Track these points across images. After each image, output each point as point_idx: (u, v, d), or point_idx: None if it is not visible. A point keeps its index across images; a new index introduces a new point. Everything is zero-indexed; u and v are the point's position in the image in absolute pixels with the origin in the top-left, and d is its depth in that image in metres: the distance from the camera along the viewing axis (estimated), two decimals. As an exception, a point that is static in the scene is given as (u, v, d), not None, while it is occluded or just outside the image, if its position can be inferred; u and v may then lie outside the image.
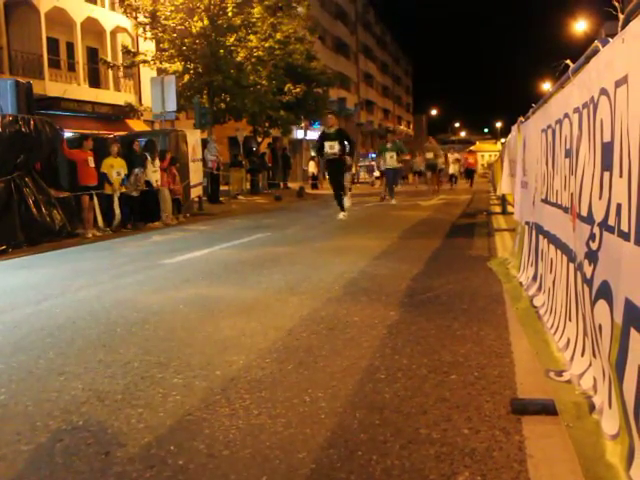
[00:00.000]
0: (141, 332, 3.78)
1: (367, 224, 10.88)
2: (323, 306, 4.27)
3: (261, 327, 3.75)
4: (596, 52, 2.24)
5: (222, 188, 19.60)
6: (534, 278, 4.16)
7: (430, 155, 21.77)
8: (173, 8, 20.86)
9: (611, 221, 1.94)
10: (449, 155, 28.48)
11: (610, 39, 2.08)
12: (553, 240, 3.43)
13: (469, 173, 29.52)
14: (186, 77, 21.34)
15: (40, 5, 23.89)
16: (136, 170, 11.86)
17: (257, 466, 2.01)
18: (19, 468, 2.07)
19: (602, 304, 2.02)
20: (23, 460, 2.12)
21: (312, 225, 11.04)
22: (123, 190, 11.45)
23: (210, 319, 4.05)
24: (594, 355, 2.23)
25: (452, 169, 27.90)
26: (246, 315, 4.10)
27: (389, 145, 17.65)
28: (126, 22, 26.34)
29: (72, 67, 26.48)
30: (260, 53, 21.71)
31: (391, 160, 17.06)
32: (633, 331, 1.69)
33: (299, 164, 38.87)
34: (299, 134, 34.31)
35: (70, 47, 26.44)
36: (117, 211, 11.28)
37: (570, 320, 2.80)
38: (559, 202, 3.18)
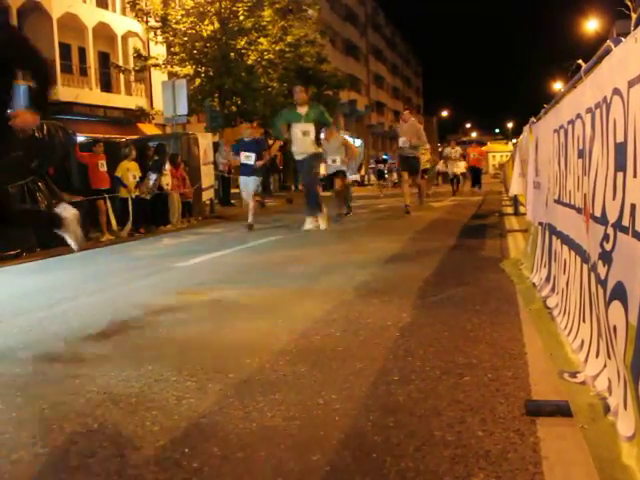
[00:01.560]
0: (154, 335, 3.79)
1: (378, 226, 10.87)
2: (335, 308, 4.27)
3: (274, 329, 3.76)
4: (608, 52, 2.23)
5: (233, 191, 19.67)
6: (547, 279, 4.14)
7: (404, 141, 12.42)
8: (184, 12, 20.98)
9: (625, 222, 1.93)
10: (449, 150, 22.59)
11: (622, 38, 2.07)
12: (566, 241, 3.41)
13: (475, 174, 22.97)
14: (197, 80, 21.47)
15: (52, 11, 24.15)
16: (154, 175, 11.96)
17: (271, 468, 2.01)
18: (35, 471, 2.09)
19: (617, 305, 2.01)
20: (39, 463, 2.13)
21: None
22: (137, 193, 11.56)
23: (223, 322, 4.06)
24: (609, 356, 2.21)
25: (454, 168, 22.01)
26: (259, 318, 4.11)
27: (302, 110, 9.23)
28: (137, 26, 26.54)
29: (84, 72, 26.73)
30: (271, 56, 21.81)
31: (304, 141, 9.09)
32: (648, 332, 1.68)
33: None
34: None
35: (82, 52, 26.70)
36: (131, 215, 11.37)
37: (584, 321, 2.78)
38: (572, 202, 3.16)
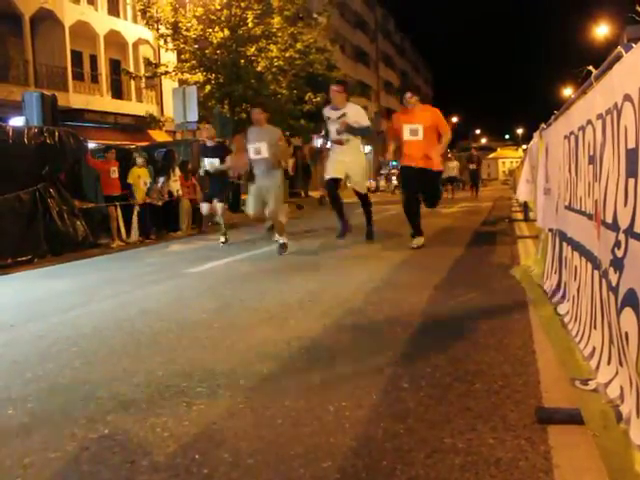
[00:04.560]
0: (165, 341, 3.81)
1: (388, 232, 10.85)
2: (345, 315, 4.26)
3: (284, 336, 3.76)
4: (619, 58, 2.22)
5: (243, 197, 19.71)
6: (558, 286, 4.11)
7: None
8: (194, 19, 21.07)
9: (637, 228, 1.92)
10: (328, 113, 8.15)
11: (633, 44, 2.07)
12: (577, 247, 3.39)
13: (433, 181, 7.87)
14: (207, 87, 21.53)
15: (64, 19, 24.37)
16: (162, 179, 12.06)
17: (281, 475, 2.01)
18: (46, 476, 2.09)
19: (628, 312, 2.00)
20: (50, 468, 2.14)
21: (333, 233, 11.02)
22: (148, 200, 11.63)
23: (233, 328, 4.07)
24: (620, 363, 2.20)
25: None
26: (269, 324, 4.11)
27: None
28: (148, 34, 26.74)
29: (95, 79, 26.93)
30: (280, 63, 21.85)
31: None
32: (661, 339, 1.67)
33: (319, 173, 38.92)
34: (320, 143, 34.41)
35: (93, 59, 26.91)
36: (135, 223, 11.40)
37: (595, 328, 2.77)
38: (583, 209, 3.15)
